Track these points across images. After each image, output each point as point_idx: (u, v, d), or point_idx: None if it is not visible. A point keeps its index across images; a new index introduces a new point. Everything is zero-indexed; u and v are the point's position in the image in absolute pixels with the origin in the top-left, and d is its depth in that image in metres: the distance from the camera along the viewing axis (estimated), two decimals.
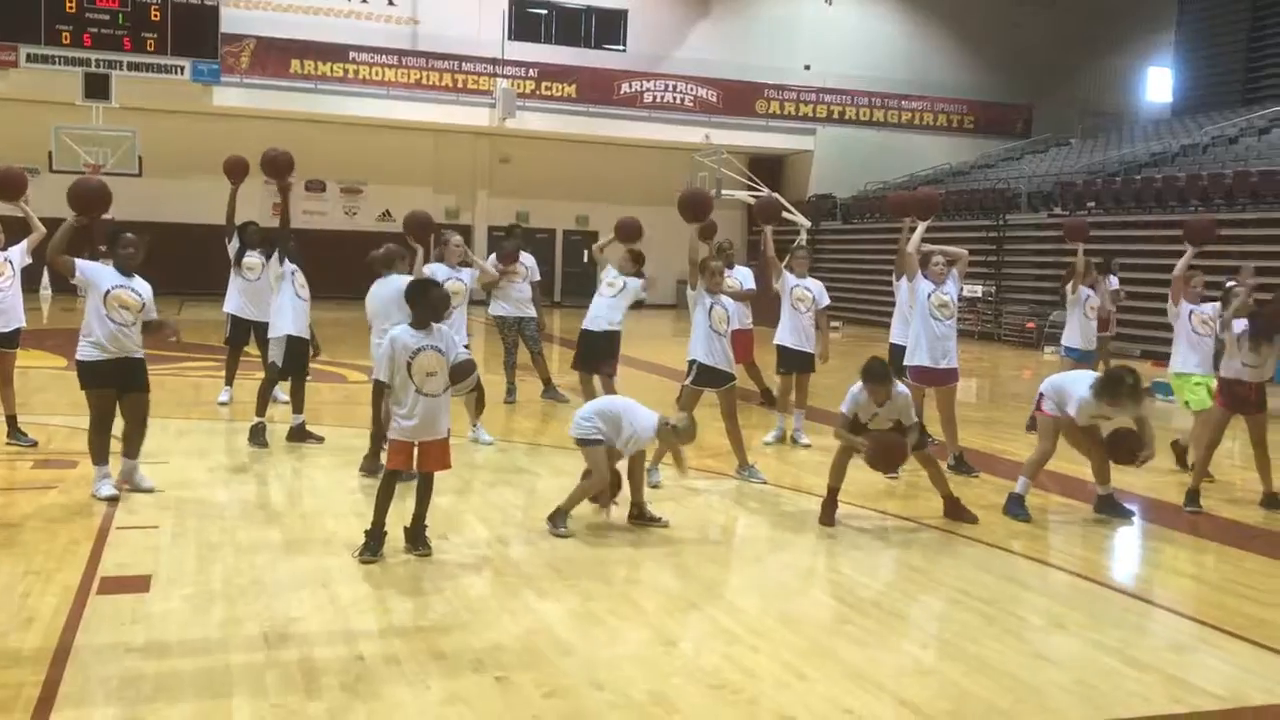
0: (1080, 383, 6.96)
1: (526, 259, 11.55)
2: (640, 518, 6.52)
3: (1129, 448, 6.94)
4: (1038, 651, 4.68)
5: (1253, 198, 18.49)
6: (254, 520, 6.39)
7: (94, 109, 23.41)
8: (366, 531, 5.63)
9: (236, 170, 9.78)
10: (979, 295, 22.04)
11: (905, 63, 31.62)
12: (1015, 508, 7.16)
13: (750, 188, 25.52)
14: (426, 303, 5.62)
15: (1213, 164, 21.52)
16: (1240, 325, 7.60)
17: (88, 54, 23.79)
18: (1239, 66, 29.04)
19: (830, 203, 29.40)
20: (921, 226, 8.33)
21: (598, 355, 9.75)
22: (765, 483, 7.83)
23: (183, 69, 24.55)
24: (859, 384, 6.70)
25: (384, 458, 5.98)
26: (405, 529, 5.73)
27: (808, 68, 30.91)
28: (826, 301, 9.52)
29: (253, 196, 26.99)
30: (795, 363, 9.42)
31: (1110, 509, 7.20)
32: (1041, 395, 7.28)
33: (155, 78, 24.35)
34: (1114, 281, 14.52)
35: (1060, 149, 29.12)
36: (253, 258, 10.17)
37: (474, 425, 8.88)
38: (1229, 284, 8.67)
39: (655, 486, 7.51)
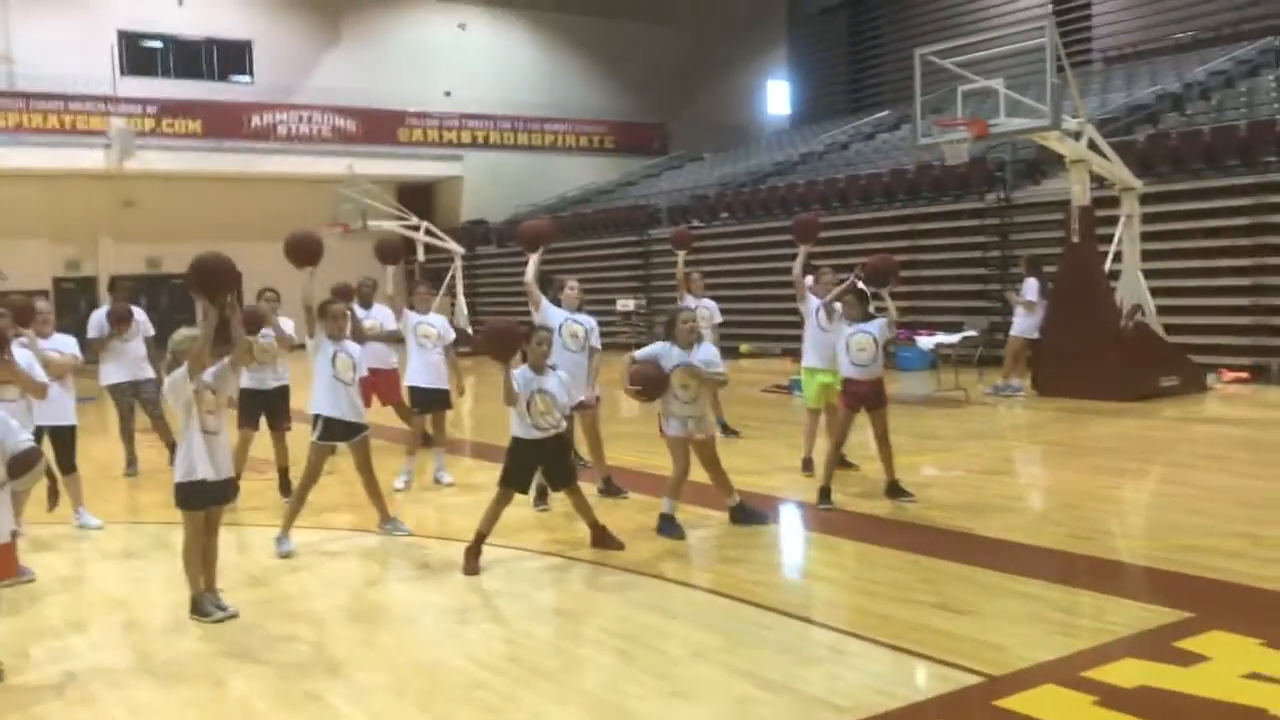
0: None
1: (138, 314, 10.55)
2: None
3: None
4: (675, 688, 4.56)
5: (864, 198, 19.95)
6: None
7: None
8: None
9: None
10: (631, 309, 22.55)
11: (543, 86, 32.10)
12: (668, 527, 7.14)
13: (398, 217, 24.96)
14: None
15: (828, 169, 23.11)
16: (853, 327, 7.92)
17: None
18: (844, 78, 31.47)
19: (483, 228, 29.31)
20: (534, 258, 8.19)
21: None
22: (410, 534, 7.43)
23: None
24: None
25: None
26: None
27: (448, 94, 30.70)
28: (452, 336, 9.22)
29: None
30: (430, 401, 9.08)
31: (745, 517, 7.32)
32: (661, 415, 7.29)
33: None
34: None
35: (695, 164, 30.48)
36: None
37: (76, 510, 7.92)
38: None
39: (286, 556, 6.95)
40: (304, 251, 7.16)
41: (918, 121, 13.36)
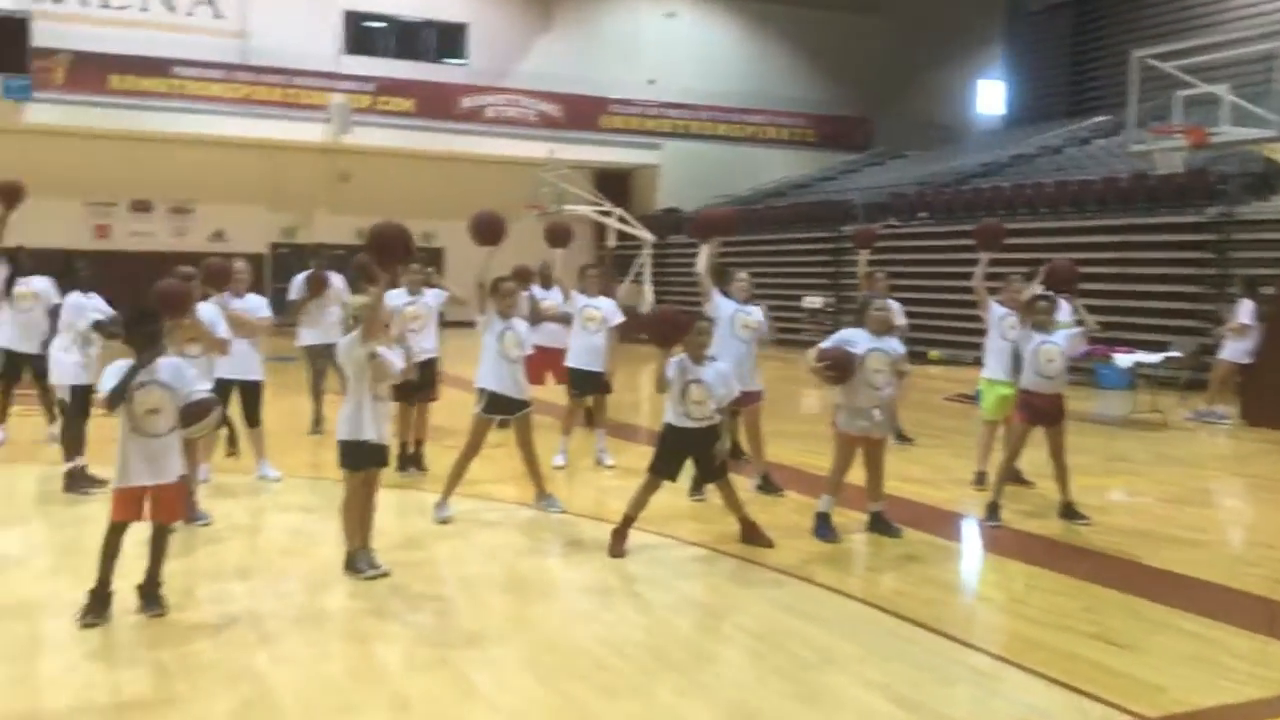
0: None
1: (336, 280, 11.01)
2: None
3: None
4: (802, 692, 4.43)
5: (1073, 205, 19.02)
6: None
7: None
8: (90, 591, 5.08)
9: (11, 195, 8.97)
10: (818, 306, 22.20)
11: (747, 77, 31.90)
12: (823, 528, 6.97)
13: (593, 202, 25.30)
14: (142, 333, 5.11)
15: (1037, 173, 22.13)
16: (1041, 337, 7.54)
17: None
18: (1065, 78, 30.06)
19: (677, 217, 29.36)
20: (705, 248, 8.11)
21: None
22: (563, 512, 7.49)
23: None
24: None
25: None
26: (137, 586, 5.20)
27: (652, 82, 30.91)
28: (618, 320, 9.24)
29: (71, 217, 25.94)
30: (587, 384, 9.14)
31: (881, 527, 7.07)
32: (836, 408, 7.10)
33: None
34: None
35: (898, 161, 29.70)
36: (24, 286, 9.39)
37: (259, 461, 8.33)
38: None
39: (444, 522, 7.12)
40: (487, 231, 7.32)
41: (1131, 126, 12.61)
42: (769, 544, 6.64)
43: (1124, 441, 11.45)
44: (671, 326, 6.45)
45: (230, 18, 27.13)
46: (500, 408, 7.33)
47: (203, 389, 5.39)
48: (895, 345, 7.07)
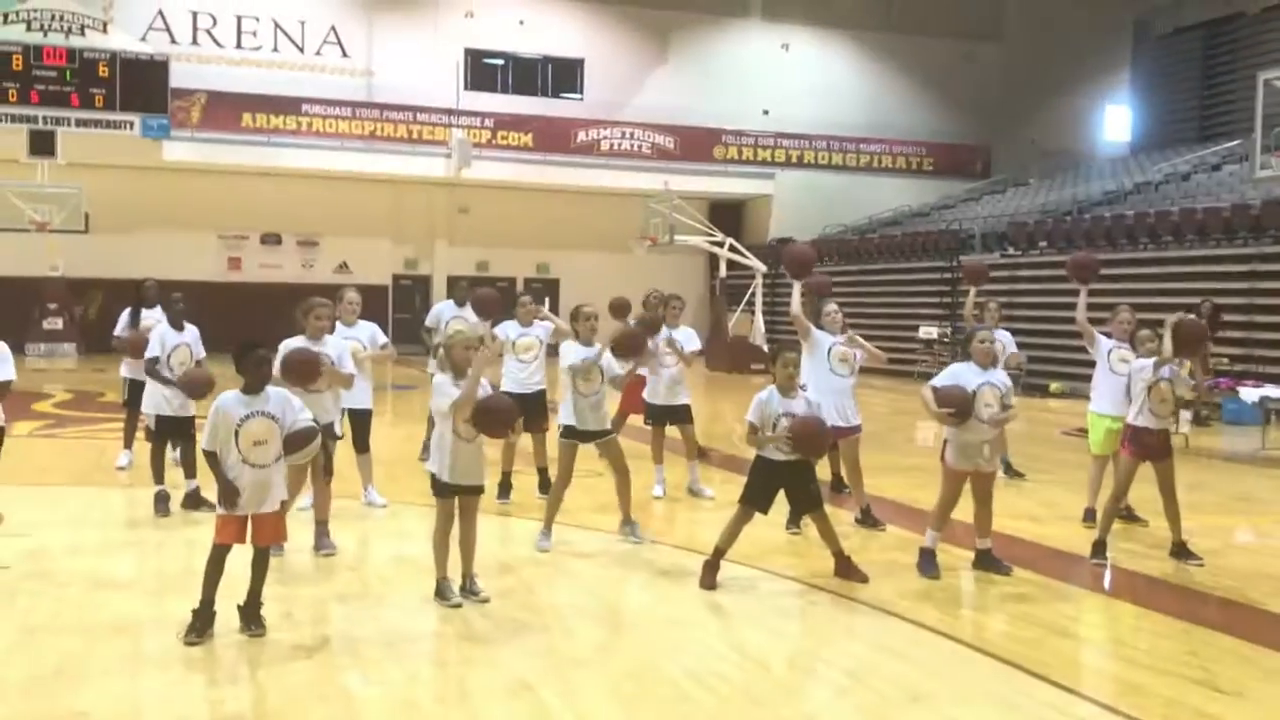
0: None
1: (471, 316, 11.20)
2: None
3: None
4: None
5: (1199, 233, 18.37)
6: (92, 599, 6.00)
7: (40, 166, 23.10)
8: (194, 610, 5.29)
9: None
10: (934, 337, 21.86)
11: (863, 106, 31.70)
12: (926, 564, 6.85)
13: (704, 233, 25.41)
14: (249, 366, 5.32)
15: (1163, 201, 21.46)
16: (1143, 368, 7.33)
17: (34, 110, 23.36)
18: (1194, 103, 29.07)
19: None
20: (797, 286, 8.09)
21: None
22: (640, 541, 7.46)
23: (132, 124, 24.19)
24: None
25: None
26: (239, 607, 5.39)
27: (766, 113, 30.93)
28: (696, 346, 9.29)
29: (206, 250, 27.12)
30: (662, 415, 9.22)
31: (988, 564, 6.91)
32: (945, 443, 6.98)
33: (104, 133, 24.05)
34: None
35: (1019, 189, 29.12)
36: (149, 319, 9.83)
37: (365, 487, 8.55)
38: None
39: (543, 551, 7.20)
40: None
41: (1257, 151, 12.17)
42: (863, 579, 6.55)
43: (1250, 479, 11.00)
44: (819, 438, 6.39)
45: (356, 57, 28.15)
46: (579, 435, 7.38)
47: (305, 417, 5.57)
48: (1003, 378, 6.94)
